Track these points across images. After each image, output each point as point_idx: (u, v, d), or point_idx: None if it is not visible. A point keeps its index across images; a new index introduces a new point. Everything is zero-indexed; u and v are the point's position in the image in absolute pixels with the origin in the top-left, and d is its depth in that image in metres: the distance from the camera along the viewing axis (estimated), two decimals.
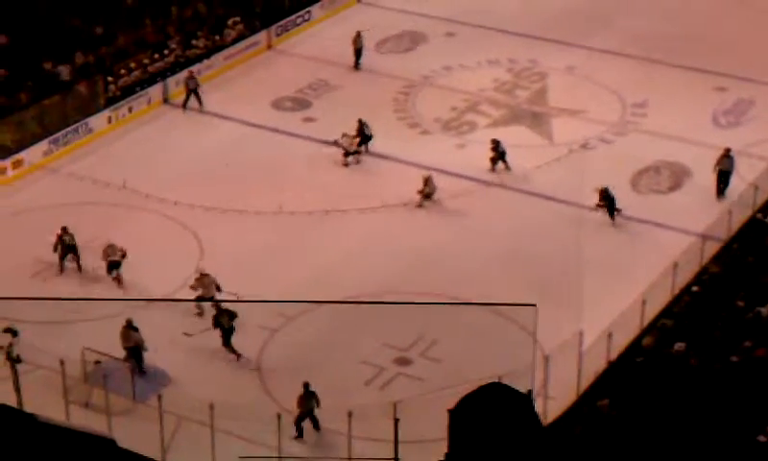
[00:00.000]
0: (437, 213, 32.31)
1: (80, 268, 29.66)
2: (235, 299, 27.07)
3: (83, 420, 23.10)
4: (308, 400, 24.29)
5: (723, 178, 32.90)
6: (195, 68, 39.11)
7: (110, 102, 37.40)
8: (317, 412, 24.40)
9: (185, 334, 26.78)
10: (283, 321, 27.79)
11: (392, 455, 20.10)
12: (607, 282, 28.73)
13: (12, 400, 22.74)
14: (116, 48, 39.15)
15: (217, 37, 41.18)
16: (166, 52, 39.60)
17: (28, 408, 16.11)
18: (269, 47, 42.56)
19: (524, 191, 33.34)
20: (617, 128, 37.00)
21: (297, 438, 24.29)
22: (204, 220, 31.58)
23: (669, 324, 26.11)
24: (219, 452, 22.98)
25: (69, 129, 35.89)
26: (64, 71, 37.29)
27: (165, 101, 38.71)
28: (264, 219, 31.69)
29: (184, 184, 33.16)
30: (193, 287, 27.66)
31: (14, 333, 25.02)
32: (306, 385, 24.29)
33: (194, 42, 40.53)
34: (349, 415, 22.66)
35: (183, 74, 38.63)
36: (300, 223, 31.60)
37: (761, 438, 21.75)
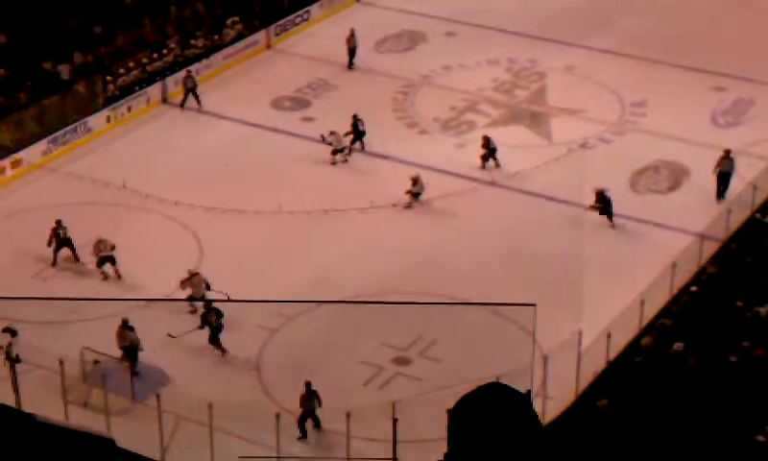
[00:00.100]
0: (436, 213, 32.30)
1: (77, 258, 29.76)
2: (225, 298, 27.05)
3: (81, 419, 23.10)
4: (310, 400, 24.30)
5: (723, 179, 32.82)
6: (194, 68, 39.09)
7: (109, 101, 37.39)
8: (318, 411, 24.41)
9: (169, 335, 26.66)
10: (283, 321, 27.78)
11: (390, 455, 20.11)
12: (606, 282, 28.73)
13: (10, 400, 22.74)
14: (115, 48, 39.14)
15: (216, 37, 41.17)
16: (165, 52, 39.58)
17: (27, 408, 16.09)
18: (268, 47, 42.56)
19: (523, 191, 33.34)
20: (616, 127, 37.00)
21: (300, 439, 24.27)
22: (203, 220, 31.58)
23: (668, 324, 26.12)
24: (218, 452, 22.98)
25: (68, 128, 35.88)
26: (65, 70, 37.29)
27: (164, 100, 38.70)
28: (263, 219, 31.69)
29: (184, 184, 33.15)
30: (182, 286, 27.73)
31: (14, 333, 25.03)
32: (308, 384, 24.28)
33: (193, 42, 40.53)
34: (348, 415, 22.66)
35: (182, 74, 38.63)
36: (299, 223, 31.59)
37: (760, 438, 21.76)
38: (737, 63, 40.08)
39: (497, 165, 34.13)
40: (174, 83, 38.80)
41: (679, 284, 27.88)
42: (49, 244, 29.65)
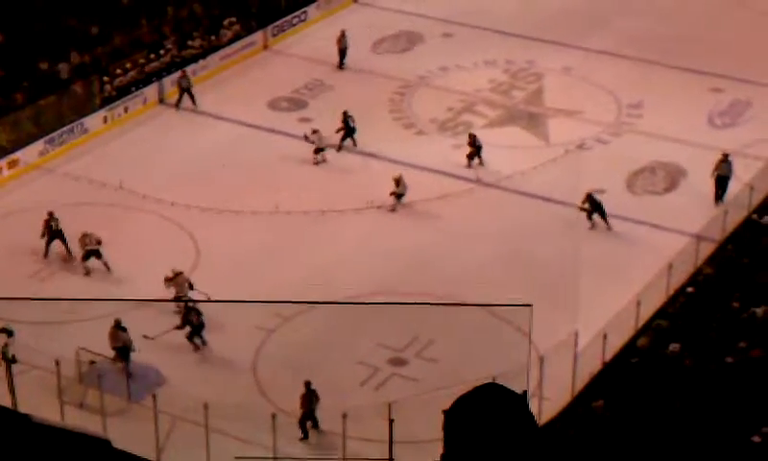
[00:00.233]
0: (432, 214, 32.29)
1: (69, 252, 29.84)
2: (206, 298, 27.09)
3: (77, 420, 23.10)
4: (310, 400, 24.30)
5: (721, 183, 32.72)
6: (190, 68, 39.08)
7: (106, 102, 37.36)
8: (316, 412, 24.41)
9: (145, 337, 26.56)
10: (279, 321, 27.78)
11: (386, 456, 20.13)
12: (602, 283, 28.73)
13: (6, 401, 22.71)
14: (112, 48, 39.09)
15: (213, 38, 41.15)
16: (162, 52, 39.56)
17: (22, 409, 16.06)
18: (265, 47, 42.54)
19: (520, 192, 33.35)
20: (613, 128, 37.02)
21: (302, 439, 24.26)
22: (200, 220, 31.56)
23: (664, 324, 26.14)
24: (214, 452, 22.98)
25: (65, 129, 35.85)
26: (64, 69, 37.26)
27: (161, 101, 38.68)
28: (260, 219, 31.67)
29: (180, 185, 33.14)
30: (167, 284, 27.74)
31: (10, 333, 25.03)
32: (308, 384, 24.27)
33: (190, 43, 40.50)
34: (344, 416, 22.66)
35: (177, 74, 38.63)
36: (296, 223, 31.58)
37: (756, 438, 21.78)
38: (734, 65, 40.09)
39: (481, 163, 34.19)
40: (171, 83, 38.76)
41: (675, 285, 27.90)
42: (42, 236, 29.97)
